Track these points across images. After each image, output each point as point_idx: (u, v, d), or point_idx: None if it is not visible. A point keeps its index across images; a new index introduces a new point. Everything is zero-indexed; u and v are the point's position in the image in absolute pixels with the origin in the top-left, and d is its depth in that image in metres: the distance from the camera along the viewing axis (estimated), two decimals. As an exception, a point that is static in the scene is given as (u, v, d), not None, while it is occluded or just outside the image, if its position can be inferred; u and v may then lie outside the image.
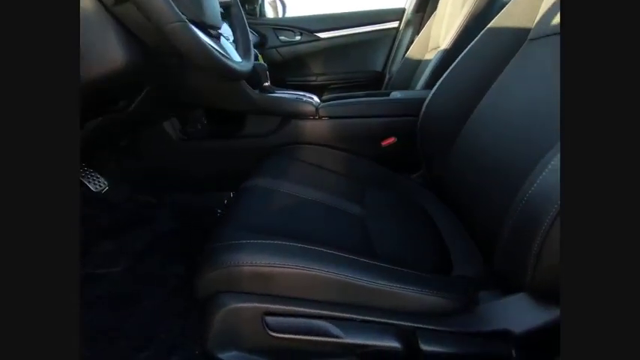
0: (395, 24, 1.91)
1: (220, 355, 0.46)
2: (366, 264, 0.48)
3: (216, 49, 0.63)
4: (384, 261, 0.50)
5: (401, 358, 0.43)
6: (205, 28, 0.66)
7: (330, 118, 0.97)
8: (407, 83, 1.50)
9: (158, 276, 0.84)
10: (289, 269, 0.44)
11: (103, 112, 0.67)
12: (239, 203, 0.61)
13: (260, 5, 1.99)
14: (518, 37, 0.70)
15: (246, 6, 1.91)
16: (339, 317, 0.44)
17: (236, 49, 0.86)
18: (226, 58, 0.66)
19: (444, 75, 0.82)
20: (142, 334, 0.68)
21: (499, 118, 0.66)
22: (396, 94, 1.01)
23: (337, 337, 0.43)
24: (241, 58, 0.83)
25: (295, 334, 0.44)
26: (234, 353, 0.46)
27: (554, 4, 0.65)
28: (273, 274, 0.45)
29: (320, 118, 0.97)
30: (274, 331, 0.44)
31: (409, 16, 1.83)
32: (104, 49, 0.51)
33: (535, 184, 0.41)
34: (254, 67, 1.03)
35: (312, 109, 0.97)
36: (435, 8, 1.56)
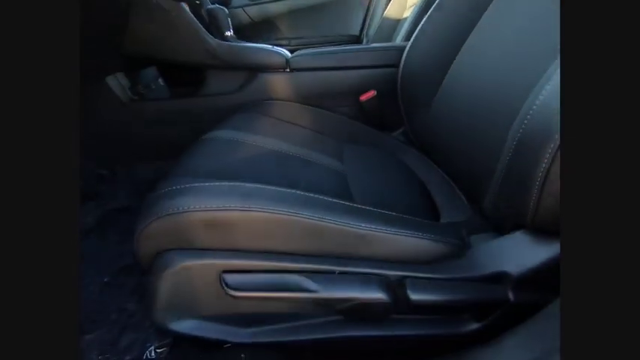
0: (372, -18, 1.79)
1: (173, 327, 0.38)
2: (346, 206, 0.40)
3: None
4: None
5: (388, 310, 0.37)
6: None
7: (303, 70, 0.86)
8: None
9: (108, 255, 0.74)
10: (250, 213, 0.36)
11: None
12: (191, 153, 0.51)
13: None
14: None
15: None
16: (315, 270, 0.37)
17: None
18: None
19: (424, 19, 0.74)
20: (89, 317, 0.58)
21: (484, 61, 0.61)
22: (374, 45, 0.93)
23: (312, 291, 0.36)
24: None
25: (262, 290, 0.36)
26: (189, 323, 0.38)
27: None
28: (229, 221, 0.36)
29: (291, 70, 0.86)
30: (235, 290, 0.36)
31: (386, -27, 1.71)
32: None
33: (526, 121, 0.37)
34: (212, 10, 0.89)
35: (281, 60, 0.86)
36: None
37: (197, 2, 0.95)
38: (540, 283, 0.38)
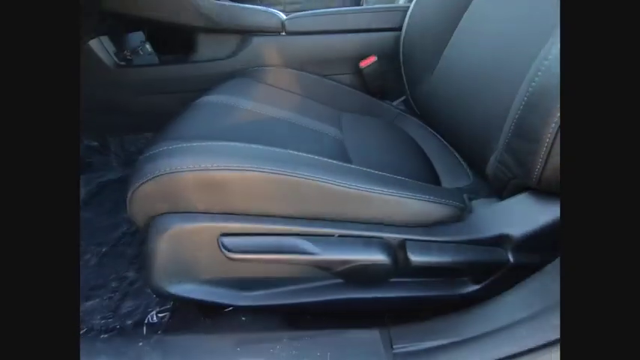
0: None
1: (172, 290, 0.38)
2: (346, 168, 0.39)
3: None
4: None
5: (388, 272, 0.37)
6: None
7: (299, 34, 0.81)
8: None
9: (105, 226, 0.73)
10: (247, 173, 0.34)
11: None
12: (181, 117, 0.48)
13: None
14: None
15: None
16: (314, 233, 0.36)
17: None
18: None
19: (430, -22, 0.69)
20: (88, 283, 0.59)
21: (490, 21, 0.57)
22: (376, 6, 0.87)
23: (312, 253, 0.35)
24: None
25: (261, 253, 0.35)
26: (188, 286, 0.38)
27: None
28: (225, 182, 0.34)
29: (287, 34, 0.81)
30: (234, 252, 0.35)
31: None
32: None
33: (537, 78, 0.36)
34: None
35: (276, 22, 0.81)
36: None
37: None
38: (540, 245, 0.38)
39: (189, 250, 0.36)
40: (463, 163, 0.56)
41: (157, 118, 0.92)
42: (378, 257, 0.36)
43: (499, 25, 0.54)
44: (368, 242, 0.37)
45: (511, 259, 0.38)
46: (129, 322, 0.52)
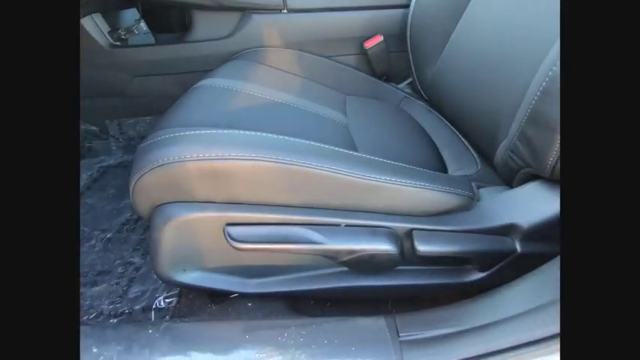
0: None
1: (178, 278, 0.38)
2: (353, 156, 0.38)
3: None
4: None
5: (394, 261, 0.37)
6: None
7: (301, 12, 0.77)
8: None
9: (108, 211, 0.73)
10: (252, 162, 0.33)
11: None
12: (182, 103, 0.47)
13: None
14: None
15: None
16: (320, 223, 0.36)
17: None
18: None
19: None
20: (94, 269, 0.59)
21: (506, 3, 0.53)
22: (382, -19, 0.82)
23: (318, 243, 0.35)
24: None
25: (267, 243, 0.35)
26: (194, 274, 0.38)
27: None
28: (230, 172, 0.34)
29: (288, 11, 0.77)
30: (240, 242, 0.35)
31: None
32: None
33: (551, 72, 0.34)
34: None
35: (277, -2, 0.76)
36: None
37: None
38: (549, 235, 0.38)
39: (195, 239, 0.36)
40: (471, 149, 0.55)
41: (155, 100, 0.90)
42: (385, 247, 0.36)
43: (517, 3, 0.51)
44: (374, 232, 0.37)
45: (518, 248, 0.38)
46: (137, 306, 0.53)
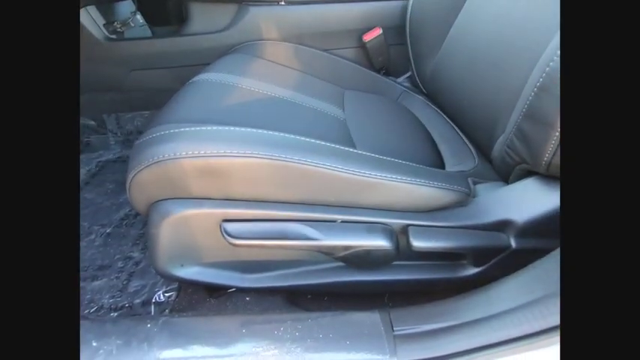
0: None
1: (177, 273, 0.39)
2: (349, 153, 0.38)
3: None
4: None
5: (390, 257, 0.37)
6: None
7: (299, 3, 0.76)
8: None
9: (107, 206, 0.73)
10: (248, 159, 0.33)
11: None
12: (179, 98, 0.46)
13: None
14: None
15: None
16: (316, 219, 0.36)
17: None
18: None
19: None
20: (94, 263, 0.60)
21: None
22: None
23: (314, 239, 0.35)
24: None
25: (263, 239, 0.35)
26: (192, 269, 0.38)
27: None
28: (226, 169, 0.34)
29: (286, 3, 0.76)
30: (237, 238, 0.35)
31: None
32: None
33: (552, 63, 0.34)
34: None
35: (274, -10, 0.75)
36: None
37: None
38: (543, 231, 0.38)
39: (192, 235, 0.36)
40: (469, 144, 0.55)
41: (153, 94, 0.89)
42: (381, 243, 0.37)
43: (514, 1, 0.50)
44: (370, 228, 0.37)
45: (513, 244, 0.38)
46: (137, 300, 0.54)
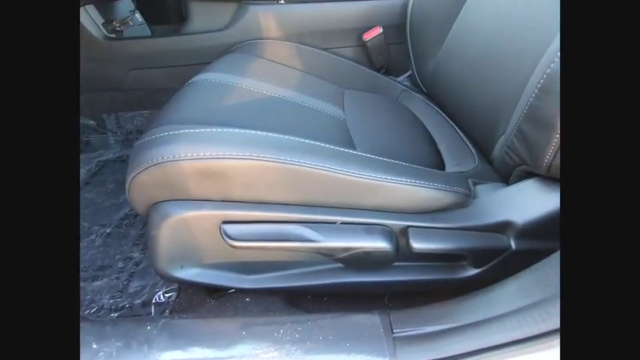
0: None
1: (177, 274, 0.39)
2: (349, 154, 0.38)
3: None
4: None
5: (389, 258, 0.37)
6: None
7: (299, 1, 0.76)
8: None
9: (107, 206, 0.73)
10: (248, 161, 0.33)
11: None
12: (179, 98, 0.46)
13: None
14: None
15: None
16: (316, 221, 0.36)
17: None
18: None
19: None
20: (95, 264, 0.60)
21: None
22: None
23: (314, 240, 0.35)
24: None
25: (263, 241, 0.35)
26: (192, 271, 0.38)
27: None
28: (226, 171, 0.34)
29: (285, 2, 0.76)
30: (236, 240, 0.35)
31: None
32: None
33: (552, 64, 0.33)
34: None
35: (274, -12, 0.75)
36: None
37: None
38: (544, 233, 0.38)
39: (191, 237, 0.36)
40: (469, 144, 0.55)
41: (152, 94, 0.89)
42: (380, 244, 0.36)
43: (514, 0, 0.50)
44: (370, 229, 0.37)
45: (513, 245, 0.38)
46: (137, 301, 0.54)
